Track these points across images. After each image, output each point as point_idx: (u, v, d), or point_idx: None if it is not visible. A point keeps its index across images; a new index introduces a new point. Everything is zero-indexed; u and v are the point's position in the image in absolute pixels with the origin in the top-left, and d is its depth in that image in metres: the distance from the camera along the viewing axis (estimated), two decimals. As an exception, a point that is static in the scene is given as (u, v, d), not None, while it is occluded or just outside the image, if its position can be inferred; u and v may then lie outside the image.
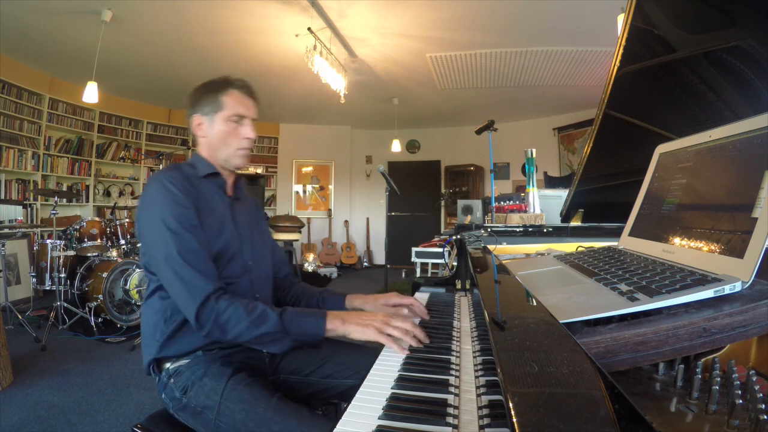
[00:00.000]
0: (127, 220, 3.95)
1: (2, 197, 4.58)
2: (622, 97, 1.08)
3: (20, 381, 2.38)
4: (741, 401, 0.38)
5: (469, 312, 1.09)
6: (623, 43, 0.98)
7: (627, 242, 0.83)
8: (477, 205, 3.83)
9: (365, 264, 7.79)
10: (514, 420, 0.31)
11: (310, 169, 7.75)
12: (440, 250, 4.19)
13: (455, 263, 1.56)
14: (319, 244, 7.48)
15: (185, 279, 0.92)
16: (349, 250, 7.58)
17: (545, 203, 2.04)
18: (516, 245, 1.44)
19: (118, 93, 5.76)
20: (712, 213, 0.61)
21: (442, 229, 7.41)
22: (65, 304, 3.31)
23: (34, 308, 3.67)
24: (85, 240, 3.64)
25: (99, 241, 3.69)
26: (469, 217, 3.78)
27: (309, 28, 3.72)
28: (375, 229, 7.94)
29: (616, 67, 1.02)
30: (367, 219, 8.00)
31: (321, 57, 3.90)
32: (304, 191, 7.73)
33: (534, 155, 2.05)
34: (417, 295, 1.39)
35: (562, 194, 2.08)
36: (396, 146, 6.83)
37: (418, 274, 4.72)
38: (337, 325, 0.92)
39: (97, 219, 3.79)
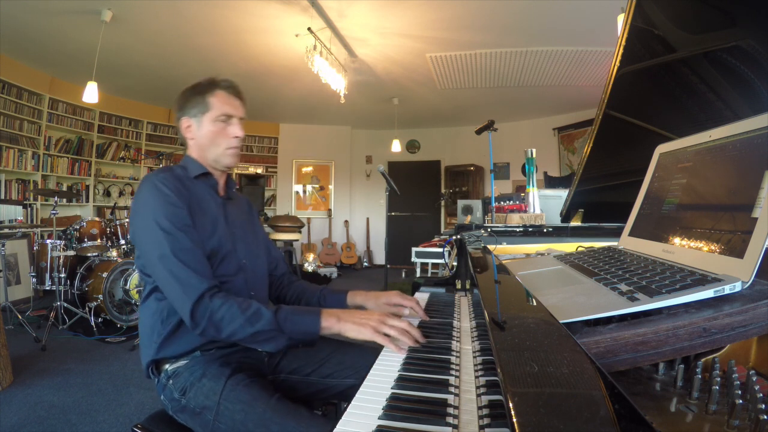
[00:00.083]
0: (127, 220, 3.94)
1: (2, 197, 4.58)
2: (622, 97, 1.08)
3: (20, 381, 2.37)
4: (741, 401, 0.38)
5: (469, 312, 1.09)
6: (623, 43, 0.98)
7: (627, 242, 0.83)
8: (477, 205, 3.83)
9: (365, 264, 7.79)
10: (514, 420, 0.31)
11: (310, 169, 7.75)
12: (440, 250, 4.18)
13: (455, 263, 1.56)
14: (319, 244, 7.48)
15: (180, 278, 0.92)
16: (349, 250, 7.58)
17: (545, 203, 2.04)
18: (516, 245, 1.44)
19: (118, 93, 5.76)
20: (712, 213, 0.61)
21: (442, 229, 7.41)
22: (65, 304, 3.31)
23: (34, 308, 3.67)
24: (85, 240, 3.64)
25: (99, 241, 3.69)
26: (469, 217, 3.77)
27: (309, 28, 3.72)
28: (375, 229, 7.94)
29: (616, 67, 1.02)
30: (367, 219, 8.00)
31: (321, 57, 3.90)
32: (304, 191, 7.73)
33: (534, 155, 2.05)
34: (417, 295, 1.39)
35: (562, 194, 2.07)
36: (396, 146, 6.83)
37: (418, 274, 4.71)
38: (333, 324, 0.92)
39: (97, 219, 3.79)
